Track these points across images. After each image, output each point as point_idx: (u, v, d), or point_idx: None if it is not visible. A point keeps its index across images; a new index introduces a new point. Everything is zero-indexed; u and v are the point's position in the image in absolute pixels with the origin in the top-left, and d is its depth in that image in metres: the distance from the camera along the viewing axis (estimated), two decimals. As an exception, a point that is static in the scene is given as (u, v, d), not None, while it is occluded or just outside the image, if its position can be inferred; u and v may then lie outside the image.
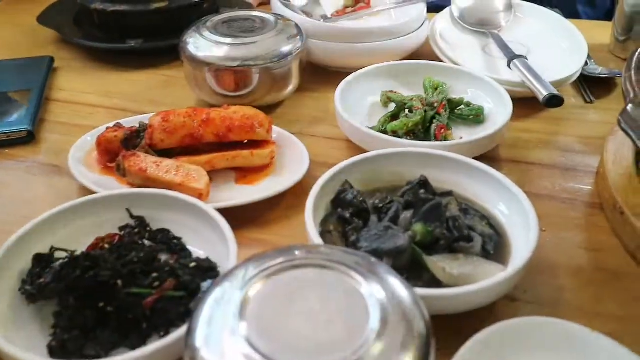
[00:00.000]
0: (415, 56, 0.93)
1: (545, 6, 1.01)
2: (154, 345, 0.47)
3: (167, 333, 0.51)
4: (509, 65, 0.84)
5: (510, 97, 0.77)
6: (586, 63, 0.91)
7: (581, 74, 0.88)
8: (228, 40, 0.81)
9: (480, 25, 0.97)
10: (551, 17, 0.98)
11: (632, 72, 0.62)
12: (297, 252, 0.46)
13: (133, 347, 0.50)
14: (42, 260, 0.55)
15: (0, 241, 0.56)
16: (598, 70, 0.90)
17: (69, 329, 0.49)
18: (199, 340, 0.40)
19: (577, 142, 0.78)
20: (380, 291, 0.42)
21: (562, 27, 0.95)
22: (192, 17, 0.89)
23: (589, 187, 0.69)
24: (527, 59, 0.83)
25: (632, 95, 0.59)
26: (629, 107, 0.58)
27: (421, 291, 0.50)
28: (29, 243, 0.57)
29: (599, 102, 0.86)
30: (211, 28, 0.83)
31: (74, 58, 0.99)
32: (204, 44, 0.81)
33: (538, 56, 0.89)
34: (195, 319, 0.41)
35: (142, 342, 0.51)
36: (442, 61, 0.89)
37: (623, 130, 0.56)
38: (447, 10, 0.99)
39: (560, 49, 0.92)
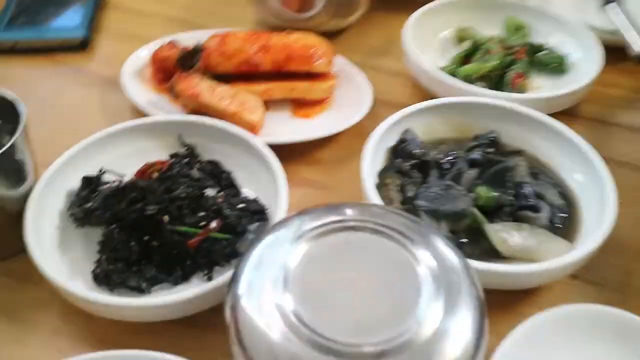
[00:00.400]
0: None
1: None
2: (199, 288, 0.46)
3: (210, 272, 0.50)
4: (603, 6, 0.75)
5: (601, 41, 0.70)
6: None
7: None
8: (295, -44, 0.74)
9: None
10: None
11: None
12: (350, 212, 0.43)
13: (175, 283, 0.50)
14: (90, 183, 0.54)
15: (50, 155, 0.55)
16: None
17: (113, 260, 0.49)
18: (242, 289, 0.39)
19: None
20: (433, 265, 0.39)
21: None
22: None
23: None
24: (623, 2, 0.74)
25: None
26: None
27: (479, 265, 0.47)
28: (78, 163, 0.56)
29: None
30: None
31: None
32: (270, -42, 0.75)
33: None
34: (241, 268, 0.40)
35: (184, 279, 0.50)
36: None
37: None
38: None
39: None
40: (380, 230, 0.41)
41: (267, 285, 0.39)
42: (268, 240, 0.42)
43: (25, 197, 0.51)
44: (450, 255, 0.40)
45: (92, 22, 0.79)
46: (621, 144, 0.65)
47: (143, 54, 0.71)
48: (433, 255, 0.40)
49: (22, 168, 0.50)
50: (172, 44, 0.69)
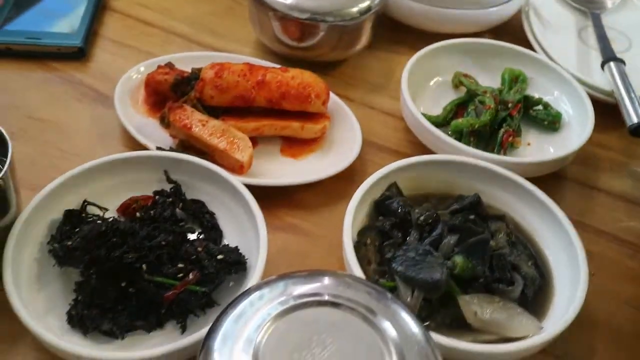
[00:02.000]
0: (500, 29, 0.84)
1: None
2: (171, 345, 0.46)
3: (184, 321, 0.51)
4: (602, 67, 0.75)
5: (597, 101, 0.70)
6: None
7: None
8: (301, -15, 0.74)
9: (583, 2, 0.86)
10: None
11: None
12: (324, 284, 0.44)
13: (149, 330, 0.50)
14: (72, 217, 0.55)
15: (34, 175, 0.55)
16: None
17: (89, 305, 0.49)
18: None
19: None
20: (398, 344, 0.41)
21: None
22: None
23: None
24: (624, 63, 0.74)
25: None
26: None
27: (443, 340, 0.48)
28: (62, 194, 0.56)
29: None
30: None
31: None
32: (275, -15, 0.74)
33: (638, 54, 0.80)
34: (212, 340, 0.41)
35: (158, 326, 0.51)
36: (528, 40, 0.80)
37: None
38: (547, -24, 0.89)
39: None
40: (350, 307, 0.42)
41: (237, 356, 0.40)
42: (239, 309, 0.42)
43: (7, 230, 0.51)
44: (416, 332, 0.42)
45: (90, 30, 0.78)
46: (604, 212, 0.66)
47: (136, 75, 0.70)
48: (399, 333, 0.41)
49: (6, 201, 0.50)
50: (167, 67, 0.69)
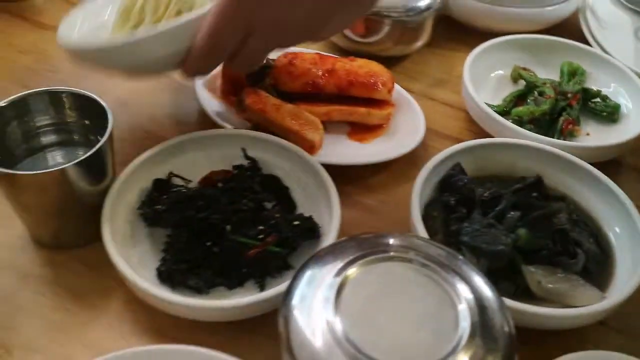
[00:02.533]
0: (558, 28, 0.87)
1: None
2: (255, 296, 0.50)
3: (262, 281, 0.55)
4: (660, 61, 0.77)
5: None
6: None
7: None
8: (367, -17, 0.78)
9: (637, 2, 0.89)
10: None
11: None
12: (397, 242, 0.47)
13: (230, 288, 0.54)
14: (161, 185, 0.60)
15: (123, 152, 0.60)
16: None
17: (177, 261, 0.54)
18: (295, 302, 0.43)
19: None
20: (471, 301, 0.43)
21: None
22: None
23: None
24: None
25: None
26: None
27: (513, 304, 0.50)
28: (150, 165, 0.60)
29: None
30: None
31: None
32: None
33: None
34: (296, 283, 0.44)
35: (239, 284, 0.55)
36: (585, 38, 0.83)
37: None
38: (604, -21, 0.91)
39: None
40: (423, 263, 0.45)
41: (317, 302, 0.43)
42: (321, 260, 0.46)
43: (103, 193, 0.56)
44: (487, 292, 0.44)
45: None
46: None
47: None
48: (471, 291, 0.43)
49: (105, 166, 0.55)
50: (242, 58, 0.74)
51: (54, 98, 0.56)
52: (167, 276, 0.53)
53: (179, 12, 0.61)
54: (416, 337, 0.41)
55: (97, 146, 0.52)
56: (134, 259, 0.54)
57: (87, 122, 0.57)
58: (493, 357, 0.40)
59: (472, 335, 0.41)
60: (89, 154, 0.51)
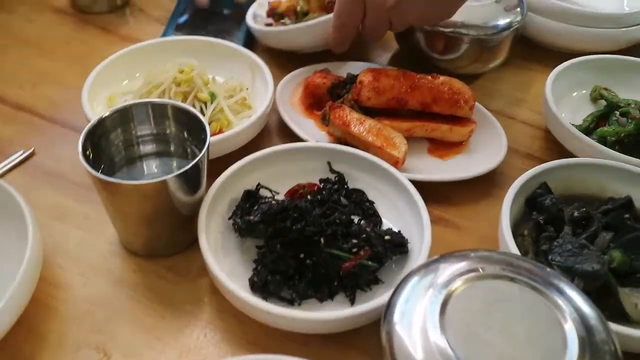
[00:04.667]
0: (635, 49, 0.86)
1: None
2: (352, 310, 0.51)
3: (353, 294, 0.55)
4: None
5: None
6: None
7: None
8: (446, 1, 0.79)
9: None
10: None
11: None
12: (494, 260, 0.48)
13: (321, 300, 0.55)
14: (250, 196, 0.61)
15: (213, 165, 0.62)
16: None
17: (271, 272, 0.55)
18: (397, 317, 0.44)
19: None
20: (577, 319, 0.43)
21: None
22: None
23: None
24: None
25: None
26: None
27: (614, 327, 0.49)
28: (238, 177, 0.62)
29: None
30: (430, -16, 0.81)
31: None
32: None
33: None
34: (395, 300, 0.45)
35: (329, 297, 0.55)
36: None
37: None
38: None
39: None
40: (526, 281, 0.45)
41: (420, 318, 0.44)
42: (420, 276, 0.46)
43: (196, 203, 0.57)
44: (592, 312, 0.44)
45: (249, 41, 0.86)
46: None
47: (293, 79, 0.77)
48: (576, 309, 0.44)
49: (200, 178, 0.57)
50: (324, 72, 0.75)
51: (156, 109, 0.58)
52: (261, 286, 0.54)
53: None
54: (524, 356, 0.41)
55: (197, 159, 0.54)
56: (225, 269, 0.55)
57: (185, 134, 0.59)
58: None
59: (581, 355, 0.41)
60: (189, 166, 0.53)
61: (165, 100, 0.59)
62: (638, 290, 0.54)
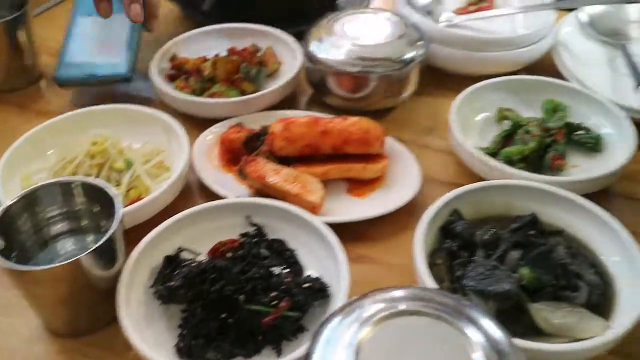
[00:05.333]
0: (535, 67, 0.90)
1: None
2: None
3: (279, 346, 0.56)
4: (637, 87, 0.80)
5: (635, 121, 0.75)
6: None
7: None
8: (350, 44, 0.82)
9: (610, 35, 0.92)
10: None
11: None
12: (408, 296, 0.49)
13: (248, 357, 0.56)
14: (171, 261, 0.61)
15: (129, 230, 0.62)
16: None
17: (195, 335, 0.55)
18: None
19: None
20: (486, 346, 0.45)
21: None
22: (314, 5, 0.92)
23: None
24: (656, 84, 0.79)
25: None
26: None
27: (524, 343, 0.52)
28: (158, 243, 0.62)
29: None
30: (334, 29, 0.84)
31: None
32: (326, 46, 0.83)
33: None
34: (314, 346, 0.46)
35: (256, 352, 0.56)
36: (562, 74, 0.86)
37: None
38: (572, 15, 0.95)
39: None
40: (435, 314, 0.47)
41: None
42: (336, 321, 0.48)
43: (116, 276, 0.58)
44: (500, 337, 0.46)
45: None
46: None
47: (209, 137, 0.78)
48: (484, 336, 0.45)
49: (116, 251, 0.57)
50: (238, 127, 0.77)
51: (63, 188, 0.59)
52: (187, 352, 0.55)
53: None
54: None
55: (108, 235, 0.54)
56: (150, 340, 0.56)
57: (96, 209, 0.59)
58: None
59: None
60: (100, 242, 0.54)
61: (71, 178, 0.60)
62: (548, 304, 0.56)
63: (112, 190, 0.58)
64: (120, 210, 0.56)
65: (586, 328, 0.55)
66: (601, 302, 0.58)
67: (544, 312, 0.56)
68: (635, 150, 0.71)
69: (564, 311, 0.56)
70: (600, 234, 0.62)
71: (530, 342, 0.52)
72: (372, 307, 0.48)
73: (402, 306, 0.48)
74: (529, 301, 0.56)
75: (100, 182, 0.59)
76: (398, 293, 0.49)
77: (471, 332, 0.46)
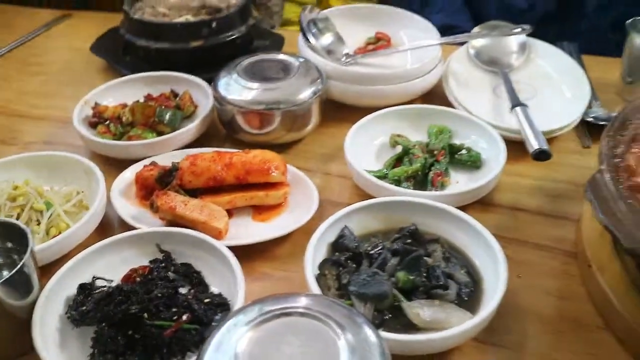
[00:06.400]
0: (428, 95, 1.00)
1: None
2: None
3: (183, 358, 0.62)
4: (511, 110, 0.90)
5: (512, 140, 0.85)
6: (591, 105, 0.96)
7: (582, 119, 0.93)
8: (254, 84, 0.90)
9: (493, 64, 1.03)
10: (561, 58, 1.03)
11: (606, 140, 0.68)
12: (291, 301, 0.56)
13: (155, 369, 0.61)
14: (85, 289, 0.67)
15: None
16: (600, 113, 0.95)
17: (104, 353, 0.61)
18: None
19: (568, 188, 0.83)
20: (351, 340, 0.52)
21: (570, 69, 1.00)
22: (227, 53, 1.00)
23: (571, 236, 0.76)
24: (527, 106, 0.89)
25: (604, 164, 0.65)
26: (597, 175, 0.64)
27: (396, 336, 0.59)
28: (73, 273, 0.68)
29: (596, 146, 0.90)
30: (240, 72, 0.92)
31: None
32: (234, 87, 0.91)
33: (544, 98, 0.96)
34: (204, 352, 0.52)
35: (162, 365, 0.62)
36: (450, 101, 0.96)
37: (588, 199, 0.63)
38: (462, 48, 1.06)
39: (564, 93, 0.97)
40: (313, 315, 0.54)
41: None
42: (225, 326, 0.54)
43: (31, 306, 0.63)
44: (368, 332, 0.53)
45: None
46: (526, 226, 0.78)
47: (127, 175, 0.85)
48: (352, 332, 0.52)
49: (29, 282, 0.63)
50: (151, 165, 0.84)
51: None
52: (97, 369, 0.60)
53: None
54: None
55: (19, 265, 0.60)
56: (64, 362, 0.61)
57: (9, 244, 0.65)
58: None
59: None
60: (10, 274, 0.59)
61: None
62: (420, 302, 0.64)
63: (22, 225, 0.63)
64: (31, 243, 0.62)
65: (452, 321, 0.62)
66: (470, 298, 0.66)
67: (416, 309, 0.63)
68: (506, 164, 0.80)
69: (434, 307, 0.63)
70: (471, 239, 0.70)
71: (398, 334, 0.59)
72: (257, 312, 0.55)
73: (283, 310, 0.55)
74: (403, 300, 0.64)
75: (12, 220, 0.64)
76: (283, 299, 0.56)
77: (343, 328, 0.52)
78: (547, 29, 1.15)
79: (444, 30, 1.10)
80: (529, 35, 1.05)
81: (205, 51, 1.06)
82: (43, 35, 1.32)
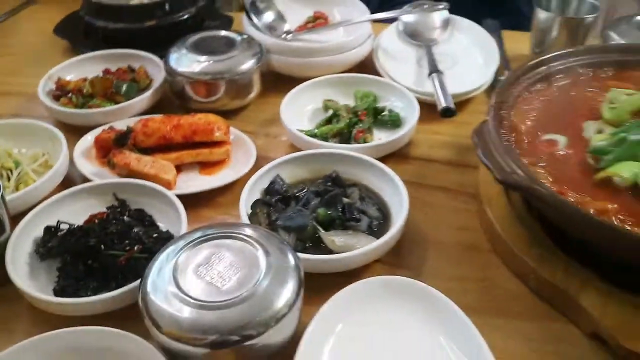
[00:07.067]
0: (361, 66, 1.12)
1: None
2: (118, 290, 0.69)
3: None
4: (428, 76, 1.03)
5: (428, 102, 0.97)
6: (503, 73, 1.09)
7: (492, 84, 1.06)
8: (202, 57, 1.01)
9: (419, 38, 1.16)
10: (479, 32, 1.16)
11: (495, 95, 0.80)
12: (223, 228, 0.67)
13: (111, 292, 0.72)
14: (51, 231, 0.78)
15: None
16: (509, 79, 1.07)
17: (67, 278, 0.72)
18: (149, 287, 0.62)
19: (475, 143, 0.96)
20: (270, 256, 0.63)
21: (485, 41, 1.13)
22: (179, 32, 1.11)
23: (473, 181, 0.89)
24: (442, 73, 1.02)
25: (490, 115, 0.77)
26: (482, 124, 0.77)
27: (309, 256, 0.71)
28: (41, 218, 0.79)
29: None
30: (189, 47, 1.03)
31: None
32: (183, 61, 1.02)
33: (461, 66, 1.09)
34: (147, 273, 0.63)
35: (118, 288, 0.72)
36: (378, 71, 1.08)
37: (473, 142, 0.75)
38: (393, 25, 1.18)
39: (477, 62, 1.10)
40: (240, 238, 0.65)
41: (162, 279, 0.62)
42: (165, 251, 0.65)
43: (3, 245, 0.74)
44: (285, 250, 0.65)
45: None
46: (436, 174, 0.91)
47: (88, 138, 0.95)
48: (272, 250, 0.64)
49: (2, 224, 0.73)
50: (110, 129, 0.94)
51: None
52: (61, 291, 0.71)
53: None
54: (230, 282, 0.61)
55: (-8, 205, 0.71)
56: (34, 287, 0.71)
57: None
58: (285, 286, 0.61)
59: (268, 274, 0.61)
60: (-16, 213, 0.70)
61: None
62: (336, 232, 0.76)
63: (-5, 177, 0.74)
64: (1, 190, 0.73)
65: (360, 245, 0.74)
66: (380, 229, 0.78)
67: (331, 237, 0.75)
68: (417, 122, 0.93)
69: (347, 235, 0.76)
70: (383, 184, 0.83)
71: (313, 255, 0.71)
72: (193, 236, 0.66)
73: (214, 234, 0.66)
74: (321, 230, 0.76)
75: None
76: (216, 227, 0.68)
77: (264, 247, 0.64)
78: (484, 9, 1.30)
79: (383, 4, 1.22)
80: (451, 12, 1.18)
81: (158, 30, 1.16)
82: (10, 20, 1.41)
